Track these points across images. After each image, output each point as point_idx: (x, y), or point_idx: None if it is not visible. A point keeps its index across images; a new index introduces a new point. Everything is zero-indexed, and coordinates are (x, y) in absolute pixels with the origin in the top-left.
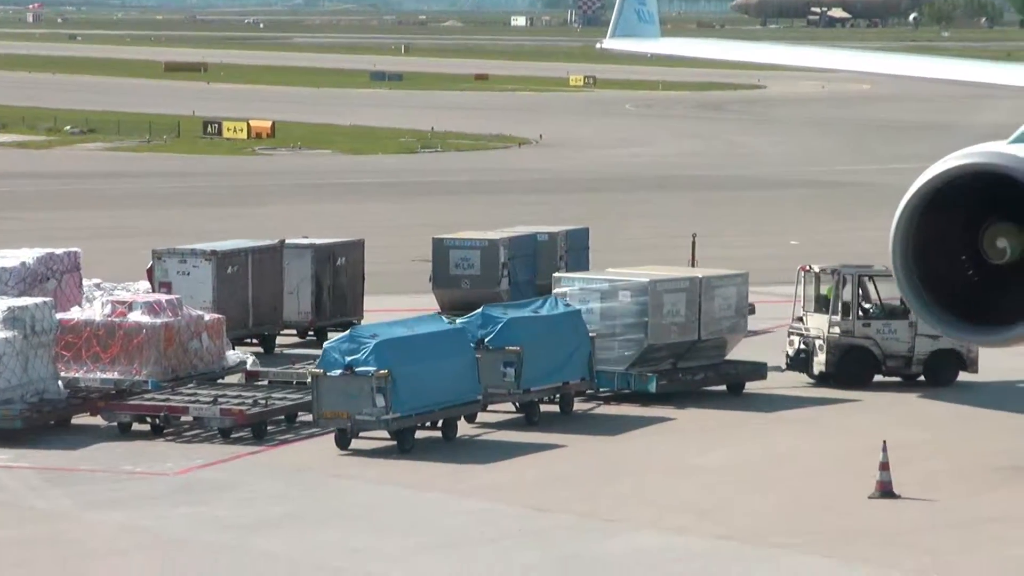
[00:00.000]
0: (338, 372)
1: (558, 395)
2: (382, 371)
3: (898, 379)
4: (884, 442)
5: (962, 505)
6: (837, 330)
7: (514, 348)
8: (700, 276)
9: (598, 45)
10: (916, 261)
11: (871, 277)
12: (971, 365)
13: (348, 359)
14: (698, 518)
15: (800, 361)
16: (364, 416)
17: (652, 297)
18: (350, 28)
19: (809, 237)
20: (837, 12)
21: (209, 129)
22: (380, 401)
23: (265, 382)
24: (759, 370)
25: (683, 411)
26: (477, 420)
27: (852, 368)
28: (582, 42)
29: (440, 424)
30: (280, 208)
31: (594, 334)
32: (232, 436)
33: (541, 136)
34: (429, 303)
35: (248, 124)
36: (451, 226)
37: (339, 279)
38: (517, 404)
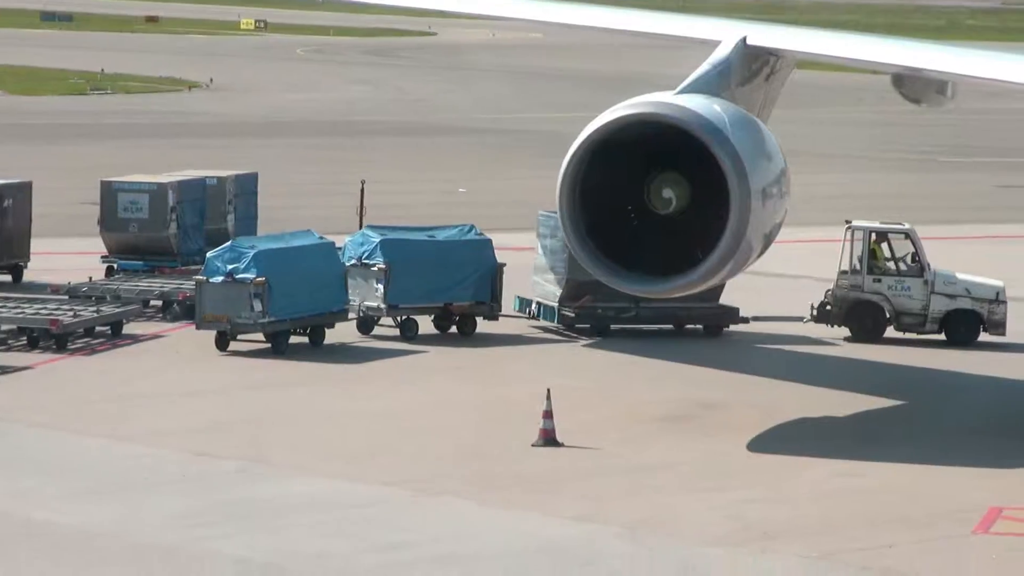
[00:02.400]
0: (219, 279)
1: (453, 315)
2: (259, 278)
3: (915, 336)
4: (548, 390)
5: (623, 453)
6: (847, 284)
7: (382, 266)
8: None
9: None
10: (583, 210)
11: (887, 234)
12: (994, 327)
13: (229, 267)
14: (364, 464)
15: (824, 314)
16: (242, 320)
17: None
18: None
19: (479, 184)
20: None
21: None
22: (257, 306)
23: None
24: (727, 315)
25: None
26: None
27: (859, 322)
28: None
29: (308, 331)
30: None
31: (504, 263)
32: None
33: (212, 80)
34: (98, 246)
35: None
36: (121, 169)
37: (5, 221)
38: (397, 319)
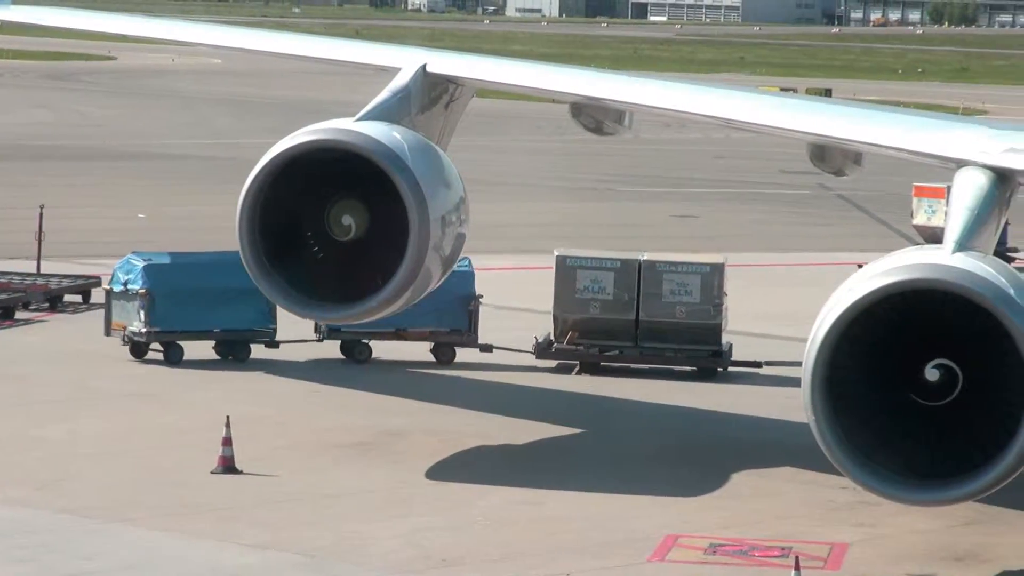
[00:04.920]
0: (119, 288)
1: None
2: (143, 290)
3: None
4: (227, 417)
5: (304, 480)
6: None
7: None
8: (642, 259)
9: None
10: (263, 237)
11: None
12: None
13: (125, 278)
14: (39, 491)
15: None
16: (133, 328)
17: (559, 271)
18: None
19: (157, 210)
20: None
21: None
22: (143, 316)
23: None
24: (719, 358)
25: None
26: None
27: None
28: None
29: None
30: None
31: (481, 295)
32: None
33: None
34: None
35: None
36: None
37: None
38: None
